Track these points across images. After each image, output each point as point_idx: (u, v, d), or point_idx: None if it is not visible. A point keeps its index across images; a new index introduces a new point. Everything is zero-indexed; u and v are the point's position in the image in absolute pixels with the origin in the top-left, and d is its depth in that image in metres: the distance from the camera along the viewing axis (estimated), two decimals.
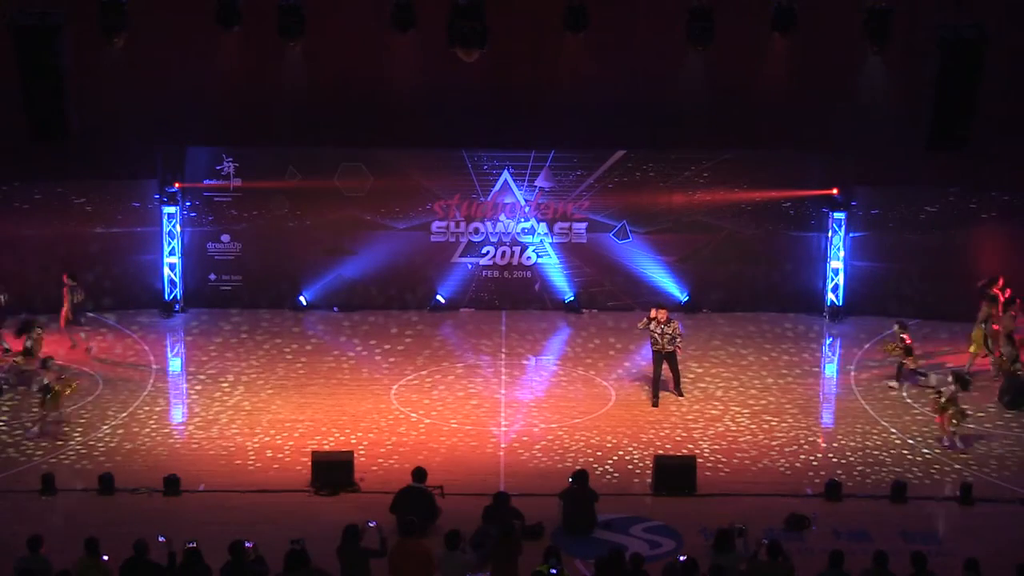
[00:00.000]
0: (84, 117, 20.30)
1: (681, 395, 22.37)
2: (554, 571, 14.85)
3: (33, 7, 19.43)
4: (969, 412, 20.91)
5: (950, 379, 20.84)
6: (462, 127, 25.50)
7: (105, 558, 15.22)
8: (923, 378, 22.92)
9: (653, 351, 22.39)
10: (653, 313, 22.32)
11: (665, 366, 22.37)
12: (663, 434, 21.11)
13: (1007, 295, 23.51)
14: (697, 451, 20.19)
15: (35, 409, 21.04)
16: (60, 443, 20.38)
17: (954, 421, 20.53)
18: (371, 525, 15.62)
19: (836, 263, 26.27)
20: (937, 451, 20.49)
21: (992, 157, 24.15)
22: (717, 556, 15.31)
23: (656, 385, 22.32)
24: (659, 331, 22.14)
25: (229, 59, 24.28)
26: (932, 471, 19.87)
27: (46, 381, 20.80)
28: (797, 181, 26.30)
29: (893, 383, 22.86)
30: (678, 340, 22.44)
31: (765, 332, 25.56)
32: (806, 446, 20.68)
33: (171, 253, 26.18)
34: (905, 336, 22.93)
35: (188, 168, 26.11)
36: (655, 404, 22.10)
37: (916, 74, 21.68)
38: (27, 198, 25.62)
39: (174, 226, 26.10)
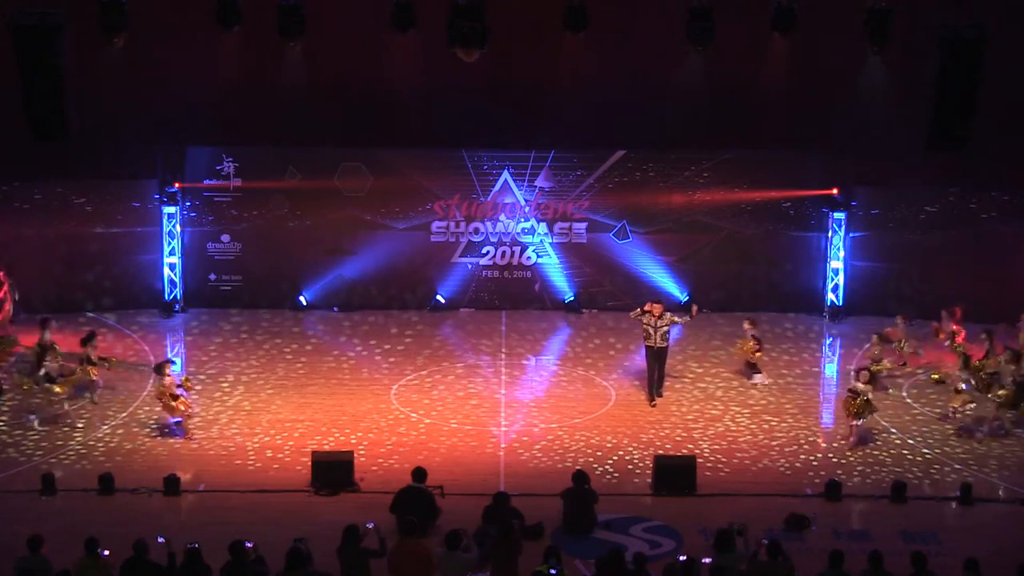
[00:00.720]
0: (84, 117, 20.29)
1: (660, 395, 22.37)
2: (554, 571, 14.85)
3: (33, 7, 19.43)
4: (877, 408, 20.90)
5: (862, 376, 20.74)
6: (462, 127, 25.49)
7: (106, 553, 15.23)
8: (757, 375, 23.24)
9: (646, 347, 22.43)
10: (648, 307, 22.37)
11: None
12: (663, 434, 21.11)
13: None
14: (697, 451, 20.19)
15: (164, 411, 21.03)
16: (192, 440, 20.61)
17: (858, 418, 20.58)
18: (369, 527, 15.60)
19: (836, 263, 26.29)
20: (937, 451, 20.50)
21: (992, 157, 24.14)
22: (717, 556, 15.31)
23: (651, 383, 22.36)
24: (653, 325, 22.17)
25: (229, 59, 24.28)
26: (932, 471, 19.88)
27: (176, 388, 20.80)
28: (797, 181, 26.31)
29: (758, 376, 23.23)
30: (689, 313, 22.70)
31: (765, 332, 25.48)
32: (806, 446, 20.68)
33: (171, 253, 26.20)
34: (754, 332, 23.15)
35: (188, 168, 26.12)
36: (652, 403, 22.12)
37: (916, 74, 21.67)
38: (27, 198, 25.62)
39: (174, 226, 26.12)
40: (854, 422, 20.56)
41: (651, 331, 22.19)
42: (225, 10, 22.05)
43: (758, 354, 23.20)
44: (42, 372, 21.50)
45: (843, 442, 20.64)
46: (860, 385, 20.50)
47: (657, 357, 22.35)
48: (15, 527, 17.10)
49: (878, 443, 20.76)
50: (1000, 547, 17.09)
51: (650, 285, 26.63)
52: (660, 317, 22.18)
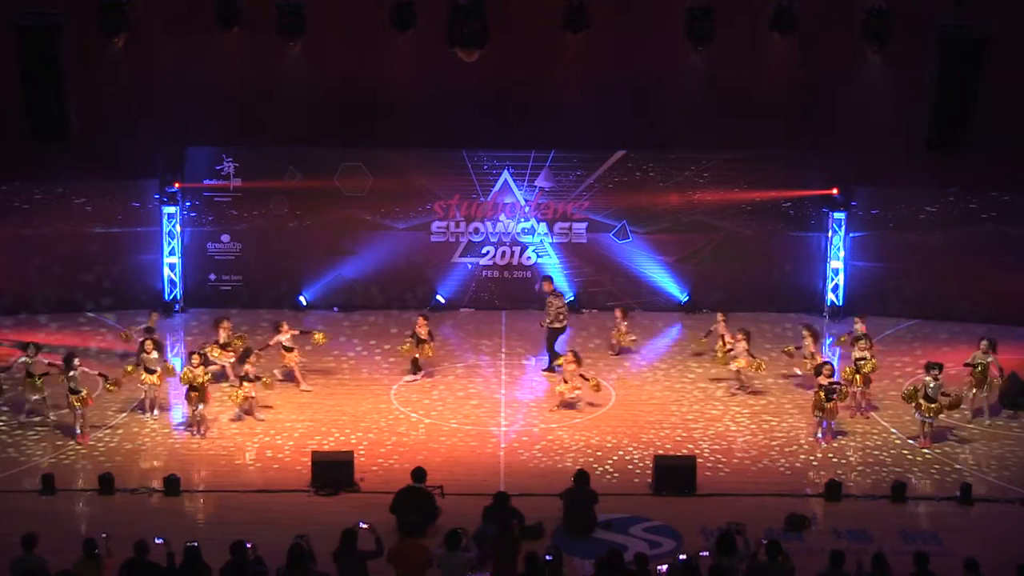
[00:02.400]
0: (84, 117, 20.30)
1: (553, 371, 23.03)
2: (549, 557, 14.89)
3: (33, 7, 19.45)
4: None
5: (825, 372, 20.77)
6: (462, 127, 25.51)
7: (103, 536, 15.34)
8: (412, 375, 23.25)
9: None
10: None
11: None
12: (663, 434, 21.11)
13: None
14: (697, 451, 20.19)
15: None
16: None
17: (819, 413, 20.64)
18: (362, 527, 15.55)
19: (836, 263, 26.29)
20: (937, 451, 20.49)
21: (992, 157, 24.14)
22: (719, 557, 15.30)
23: (549, 352, 23.32)
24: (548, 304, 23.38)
25: (229, 59, 24.29)
26: (932, 471, 19.88)
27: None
28: (797, 181, 26.32)
29: (410, 377, 23.15)
30: (562, 315, 23.46)
31: (765, 332, 25.51)
32: (806, 446, 20.68)
33: (171, 253, 26.22)
34: (421, 330, 23.00)
35: (188, 168, 26.13)
36: (552, 370, 23.04)
37: (916, 74, 21.69)
38: (27, 198, 25.63)
39: (174, 226, 26.13)
40: (825, 419, 20.74)
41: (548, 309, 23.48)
42: (225, 10, 22.06)
43: (420, 350, 23.11)
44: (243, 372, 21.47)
45: (821, 440, 20.75)
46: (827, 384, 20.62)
47: (547, 335, 23.43)
48: (15, 527, 17.08)
49: (878, 443, 20.78)
50: (1000, 547, 17.08)
51: (650, 285, 26.68)
52: (553, 296, 23.49)
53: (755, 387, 22.62)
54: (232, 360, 22.38)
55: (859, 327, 22.84)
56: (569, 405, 21.95)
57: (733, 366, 22.50)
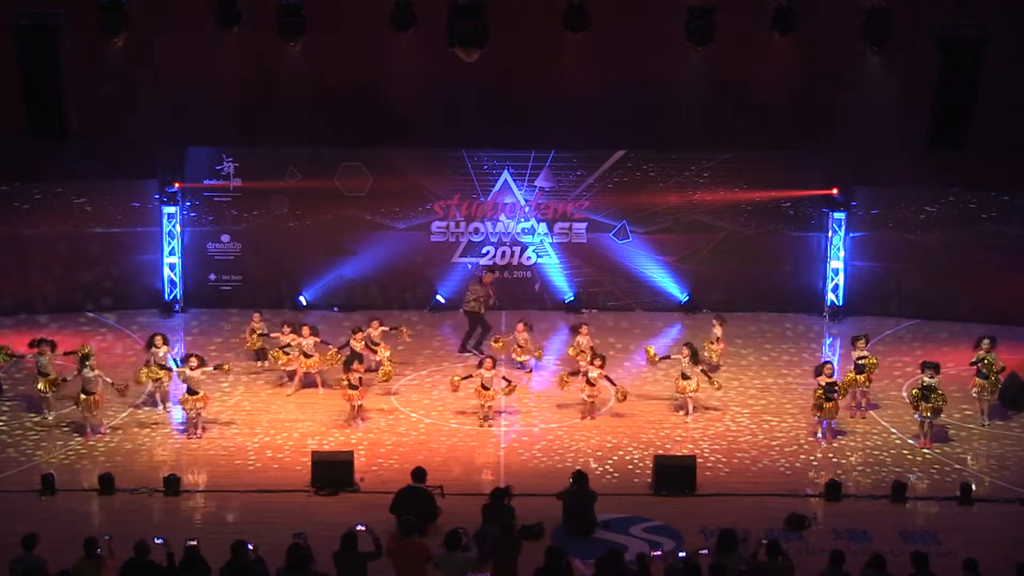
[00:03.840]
0: (84, 117, 20.30)
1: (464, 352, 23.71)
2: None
3: (33, 7, 19.45)
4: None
5: (825, 372, 20.73)
6: (462, 127, 25.52)
7: (107, 538, 15.35)
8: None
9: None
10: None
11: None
12: (663, 434, 21.10)
13: None
14: (697, 451, 20.18)
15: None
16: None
17: (819, 413, 20.65)
18: (360, 529, 15.53)
19: (836, 263, 26.30)
20: (937, 451, 20.49)
21: (992, 157, 24.15)
22: (719, 555, 15.31)
23: (464, 341, 24.34)
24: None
25: (229, 59, 24.30)
26: (932, 471, 19.88)
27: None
28: (797, 181, 26.33)
29: (290, 391, 22.54)
30: (471, 300, 24.28)
31: (765, 332, 25.56)
32: (806, 446, 20.67)
33: (171, 253, 26.23)
34: (312, 339, 22.47)
35: (188, 168, 26.15)
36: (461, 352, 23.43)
37: (916, 74, 21.69)
38: (27, 198, 25.65)
39: (174, 226, 26.14)
40: (826, 418, 20.72)
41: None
42: (225, 10, 22.03)
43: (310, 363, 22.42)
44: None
45: (821, 439, 20.75)
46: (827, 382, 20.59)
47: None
48: (15, 527, 17.07)
49: (878, 443, 20.78)
50: (1000, 547, 17.08)
51: (650, 285, 26.68)
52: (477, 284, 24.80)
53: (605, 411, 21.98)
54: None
55: (716, 329, 23.35)
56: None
57: (679, 391, 21.83)
